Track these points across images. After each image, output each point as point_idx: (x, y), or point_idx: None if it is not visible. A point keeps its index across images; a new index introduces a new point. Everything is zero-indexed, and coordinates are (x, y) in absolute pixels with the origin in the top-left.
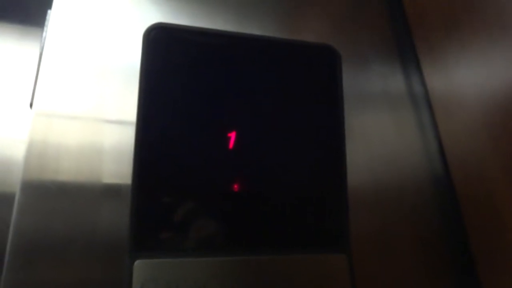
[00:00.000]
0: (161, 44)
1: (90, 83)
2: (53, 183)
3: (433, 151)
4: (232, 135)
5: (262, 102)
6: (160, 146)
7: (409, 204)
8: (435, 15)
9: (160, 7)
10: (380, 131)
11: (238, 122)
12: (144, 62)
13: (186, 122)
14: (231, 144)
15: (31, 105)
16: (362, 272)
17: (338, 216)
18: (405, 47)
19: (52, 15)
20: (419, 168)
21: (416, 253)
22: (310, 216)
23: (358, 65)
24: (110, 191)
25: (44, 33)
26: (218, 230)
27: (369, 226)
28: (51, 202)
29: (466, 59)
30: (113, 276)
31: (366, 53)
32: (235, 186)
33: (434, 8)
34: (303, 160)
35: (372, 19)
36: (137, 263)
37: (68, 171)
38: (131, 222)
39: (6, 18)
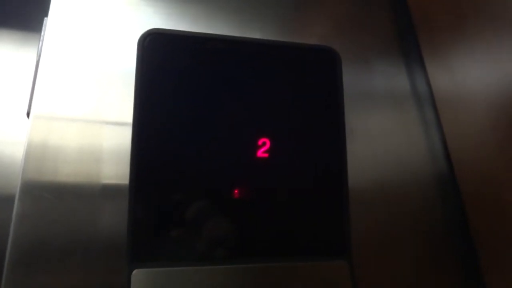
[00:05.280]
0: (155, 50)
1: (88, 86)
2: (52, 184)
3: (438, 150)
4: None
5: (260, 105)
6: (156, 154)
7: (413, 204)
8: (439, 13)
9: (160, 11)
10: (384, 131)
11: (235, 127)
12: (139, 68)
13: (182, 127)
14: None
15: (28, 115)
16: (364, 275)
17: (338, 222)
18: (409, 46)
19: (49, 22)
20: (424, 168)
21: (420, 254)
22: (310, 222)
23: (362, 65)
24: (109, 191)
25: (40, 41)
26: (217, 238)
27: (372, 227)
28: (50, 204)
29: (471, 57)
30: (113, 281)
31: (370, 53)
32: (235, 192)
33: (438, 6)
34: (302, 164)
35: (375, 18)
36: (135, 272)
37: (67, 172)
38: (129, 231)
39: (5, 25)
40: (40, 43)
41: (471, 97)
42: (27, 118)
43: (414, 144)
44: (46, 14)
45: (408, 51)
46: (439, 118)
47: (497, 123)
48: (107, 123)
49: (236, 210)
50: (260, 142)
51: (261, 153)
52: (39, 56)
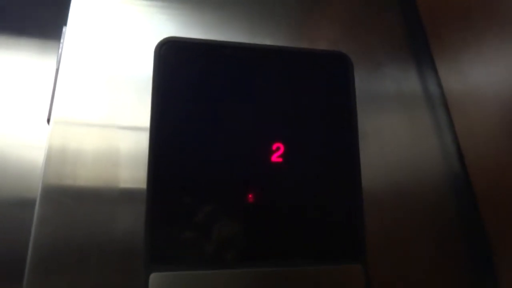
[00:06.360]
0: (172, 58)
1: (105, 92)
2: (71, 189)
3: (451, 152)
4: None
5: (273, 111)
6: (173, 159)
7: (427, 205)
8: (449, 14)
9: (173, 18)
10: (396, 134)
11: (249, 133)
12: (156, 76)
13: (198, 132)
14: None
15: (48, 121)
16: (378, 277)
17: (353, 226)
18: (419, 48)
19: (68, 31)
20: (437, 170)
21: (434, 254)
22: (324, 226)
23: (372, 68)
24: (127, 195)
25: (60, 49)
26: (234, 242)
27: (385, 229)
28: (69, 207)
29: (481, 57)
30: (131, 284)
31: (381, 56)
32: (250, 196)
33: (447, 7)
34: (316, 168)
35: (385, 21)
36: (153, 276)
37: (85, 177)
38: (146, 235)
39: (25, 33)
40: (60, 50)
41: (483, 98)
42: (47, 124)
43: (426, 146)
44: (65, 23)
45: (419, 53)
46: (451, 119)
47: (509, 121)
48: (124, 128)
49: (251, 214)
50: (274, 147)
51: (275, 157)
52: (58, 63)
